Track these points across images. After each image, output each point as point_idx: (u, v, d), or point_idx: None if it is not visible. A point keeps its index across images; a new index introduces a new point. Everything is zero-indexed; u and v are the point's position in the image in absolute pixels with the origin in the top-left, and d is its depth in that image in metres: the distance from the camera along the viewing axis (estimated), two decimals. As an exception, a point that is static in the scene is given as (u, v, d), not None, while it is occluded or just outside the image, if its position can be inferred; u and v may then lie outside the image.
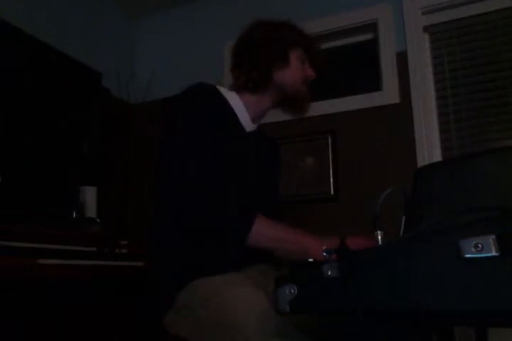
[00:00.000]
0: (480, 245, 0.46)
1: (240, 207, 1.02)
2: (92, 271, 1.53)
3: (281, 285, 0.62)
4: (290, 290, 0.60)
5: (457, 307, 0.47)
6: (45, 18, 2.24)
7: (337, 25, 2.32)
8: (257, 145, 1.24)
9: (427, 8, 2.14)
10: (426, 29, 2.15)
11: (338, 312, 0.61)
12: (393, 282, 0.52)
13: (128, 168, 2.53)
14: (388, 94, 2.12)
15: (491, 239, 0.45)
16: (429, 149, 2.01)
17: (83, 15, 2.49)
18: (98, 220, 1.96)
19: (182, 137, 1.06)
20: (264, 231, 0.99)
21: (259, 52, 1.17)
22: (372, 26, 2.27)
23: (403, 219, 0.72)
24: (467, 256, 0.46)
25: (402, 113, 2.08)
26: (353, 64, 2.40)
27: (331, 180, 2.14)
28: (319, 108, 2.20)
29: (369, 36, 2.34)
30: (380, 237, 0.65)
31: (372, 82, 2.22)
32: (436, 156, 2.02)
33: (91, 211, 1.99)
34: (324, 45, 2.38)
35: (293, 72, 1.20)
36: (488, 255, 0.45)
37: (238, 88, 1.20)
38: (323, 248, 0.96)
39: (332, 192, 2.13)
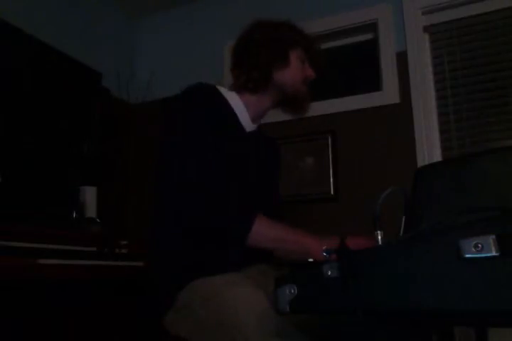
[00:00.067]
0: (480, 245, 0.46)
1: (240, 207, 1.02)
2: (92, 271, 1.53)
3: (281, 285, 0.62)
4: (290, 290, 0.60)
5: (457, 307, 0.47)
6: (45, 18, 2.24)
7: (337, 25, 2.32)
8: (257, 145, 1.24)
9: (427, 8, 2.14)
10: (426, 29, 2.15)
11: (338, 312, 0.61)
12: (393, 282, 0.52)
13: (128, 168, 2.53)
14: (388, 94, 2.12)
15: (491, 239, 0.45)
16: (429, 149, 2.01)
17: (83, 16, 2.49)
18: (98, 220, 1.96)
19: (182, 137, 1.06)
20: (264, 232, 0.99)
21: (259, 52, 1.17)
22: (372, 26, 2.27)
23: (403, 219, 0.72)
24: (467, 256, 0.46)
25: (402, 113, 2.08)
26: (353, 64, 2.40)
27: (331, 180, 2.14)
28: (319, 108, 2.20)
29: (369, 36, 2.34)
30: (380, 237, 0.65)
31: (372, 82, 2.22)
32: (436, 156, 2.02)
33: (91, 211, 1.99)
34: (324, 45, 2.38)
35: (293, 72, 1.20)
36: (488, 255, 0.45)
37: (238, 88, 1.20)
38: (323, 248, 0.97)
39: (332, 192, 2.13)
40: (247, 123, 1.20)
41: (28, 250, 1.35)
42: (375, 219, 0.66)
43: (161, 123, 1.12)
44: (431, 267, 0.49)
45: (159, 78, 2.61)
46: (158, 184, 1.12)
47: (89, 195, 2.01)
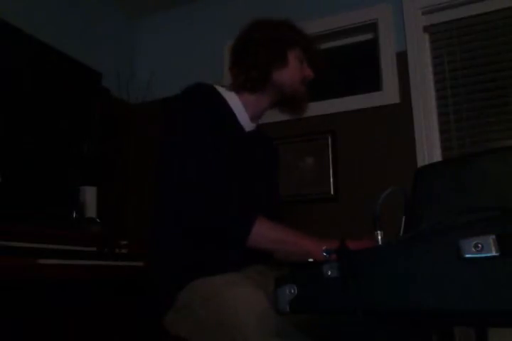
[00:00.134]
0: (480, 245, 0.46)
1: (240, 208, 1.02)
2: (92, 271, 1.53)
3: (281, 285, 0.62)
4: (290, 290, 0.60)
5: (457, 307, 0.47)
6: (45, 18, 2.24)
7: (337, 25, 2.32)
8: (256, 145, 1.24)
9: (427, 8, 2.14)
10: (426, 29, 2.15)
11: (338, 312, 0.61)
12: (393, 282, 0.52)
13: (128, 168, 2.53)
14: (388, 94, 2.12)
15: (491, 239, 0.45)
16: (429, 149, 2.01)
17: (83, 16, 2.49)
18: (98, 220, 1.96)
19: (182, 137, 1.06)
20: (264, 233, 0.99)
21: (258, 52, 1.17)
22: (372, 26, 2.27)
23: (403, 219, 0.72)
24: (467, 256, 0.46)
25: (402, 113, 2.08)
26: (353, 64, 2.40)
27: (331, 180, 2.14)
28: (319, 108, 2.20)
29: (369, 36, 2.34)
30: (380, 237, 0.65)
31: (372, 82, 2.22)
32: (436, 156, 2.02)
33: (91, 211, 1.99)
34: (324, 45, 2.39)
35: (291, 72, 1.20)
36: (488, 255, 0.45)
37: (237, 88, 1.20)
38: (323, 248, 0.97)
39: (332, 192, 2.13)
40: (245, 122, 1.20)
41: (28, 250, 1.35)
42: (375, 219, 0.66)
43: (161, 123, 1.12)
44: (431, 267, 0.49)
45: (159, 78, 2.61)
46: (158, 184, 1.12)
47: (89, 195, 2.01)
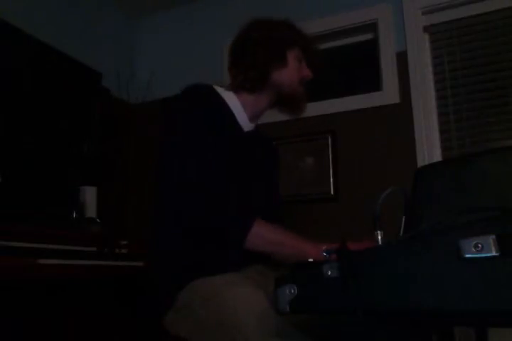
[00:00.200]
0: (480, 245, 0.46)
1: (239, 209, 1.02)
2: (92, 271, 1.53)
3: (281, 285, 0.62)
4: (290, 290, 0.60)
5: (457, 307, 0.47)
6: (45, 18, 2.24)
7: (337, 25, 2.32)
8: (255, 145, 1.24)
9: (427, 8, 2.14)
10: (426, 29, 2.15)
11: (338, 312, 0.61)
12: (393, 282, 0.52)
13: (128, 168, 2.53)
14: (388, 94, 2.12)
15: (491, 239, 0.45)
16: (429, 149, 2.01)
17: (83, 16, 2.49)
18: (98, 220, 1.96)
19: (182, 137, 1.06)
20: (262, 235, 0.99)
21: (256, 52, 1.17)
22: (372, 26, 2.27)
23: (403, 219, 0.72)
24: (467, 256, 0.46)
25: (402, 113, 2.08)
26: (353, 64, 2.40)
27: (331, 180, 2.14)
28: (319, 108, 2.20)
29: (369, 36, 2.34)
30: (380, 237, 0.65)
31: (372, 82, 2.22)
32: (436, 156, 2.02)
33: (91, 211, 1.99)
34: (324, 45, 2.39)
35: (290, 73, 1.19)
36: (488, 255, 0.45)
37: (236, 88, 1.20)
38: (324, 248, 0.97)
39: (332, 192, 2.13)
40: (244, 122, 1.20)
41: (28, 250, 1.35)
42: (375, 219, 0.66)
43: (161, 124, 1.12)
44: (431, 267, 0.49)
45: (159, 78, 2.61)
46: (158, 184, 1.12)
47: (89, 195, 2.01)
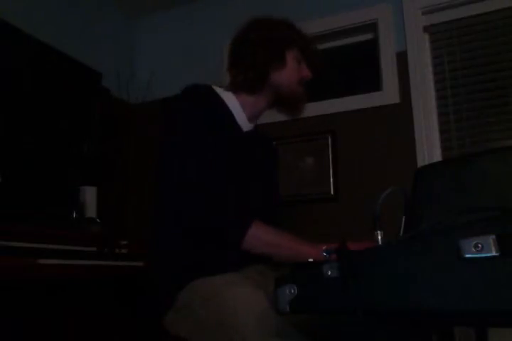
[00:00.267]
0: (480, 245, 0.46)
1: (237, 209, 1.02)
2: (92, 271, 1.53)
3: (281, 285, 0.62)
4: (290, 290, 0.60)
5: (457, 307, 0.47)
6: (45, 18, 2.24)
7: (337, 25, 2.32)
8: (254, 145, 1.24)
9: (427, 8, 2.14)
10: (426, 29, 2.15)
11: (338, 312, 0.61)
12: (393, 282, 0.52)
13: (128, 168, 2.53)
14: (388, 94, 2.12)
15: (491, 239, 0.45)
16: (429, 149, 2.01)
17: (83, 15, 2.49)
18: (98, 220, 1.96)
19: (182, 137, 1.06)
20: (260, 236, 1.00)
21: (255, 52, 1.16)
22: (372, 26, 2.27)
23: (403, 219, 0.72)
24: (467, 256, 0.46)
25: (402, 113, 2.08)
26: (353, 64, 2.40)
27: (331, 180, 2.14)
28: (319, 108, 2.20)
29: (369, 36, 2.34)
30: (380, 237, 0.65)
31: (372, 82, 2.22)
32: (436, 156, 2.02)
33: (91, 211, 1.99)
34: (324, 45, 2.39)
35: (289, 73, 1.19)
36: (488, 255, 0.45)
37: (235, 88, 1.20)
38: (324, 248, 0.97)
39: (332, 192, 2.13)
40: (243, 122, 1.20)
41: (28, 250, 1.35)
42: (375, 219, 0.66)
43: (161, 124, 1.12)
44: (431, 267, 0.49)
45: (159, 78, 2.61)
46: (158, 184, 1.12)
47: (89, 195, 2.01)
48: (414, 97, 2.07)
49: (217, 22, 2.60)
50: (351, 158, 2.14)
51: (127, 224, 2.41)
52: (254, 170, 1.21)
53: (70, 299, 1.61)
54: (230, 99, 1.18)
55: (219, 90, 1.18)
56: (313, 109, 2.11)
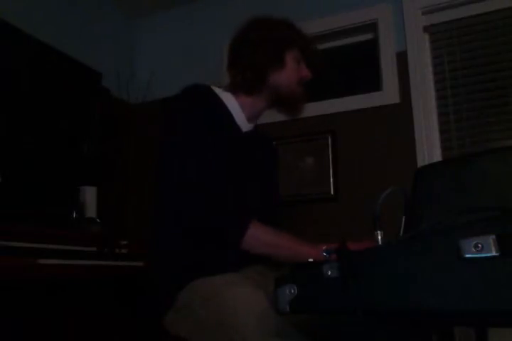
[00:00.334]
0: (480, 245, 0.46)
1: (236, 209, 1.02)
2: (92, 271, 1.53)
3: (281, 285, 0.62)
4: (290, 290, 0.60)
5: (457, 307, 0.47)
6: (45, 17, 2.24)
7: (337, 25, 2.32)
8: (254, 145, 1.23)
9: (427, 8, 2.14)
10: (426, 29, 2.15)
11: (338, 312, 0.61)
12: (393, 282, 0.52)
13: (128, 168, 2.53)
14: (388, 94, 2.12)
15: (491, 239, 0.45)
16: (429, 149, 2.01)
17: (83, 15, 2.49)
18: (98, 220, 1.96)
19: (182, 137, 1.06)
20: (258, 237, 1.00)
21: (254, 53, 1.16)
22: (372, 26, 2.27)
23: (403, 219, 0.72)
24: (467, 256, 0.46)
25: (402, 113, 2.08)
26: (353, 64, 2.40)
27: (331, 180, 2.14)
28: (319, 108, 2.20)
29: (369, 36, 2.34)
30: (380, 237, 0.65)
31: (372, 82, 2.22)
32: (436, 156, 2.02)
33: (91, 211, 1.99)
34: (324, 45, 2.39)
35: (288, 74, 1.18)
36: (488, 255, 0.45)
37: (234, 88, 1.20)
38: (324, 248, 0.97)
39: (332, 192, 2.13)
40: (243, 123, 1.19)
41: (28, 250, 1.35)
42: (375, 219, 0.66)
43: (161, 124, 1.12)
44: (431, 267, 0.49)
45: (159, 78, 2.61)
46: (158, 184, 1.12)
47: (89, 195, 2.01)
48: (414, 97, 2.07)
49: (217, 22, 2.60)
50: (351, 158, 2.14)
51: (127, 224, 2.41)
52: (254, 170, 1.21)
53: (70, 299, 1.61)
54: (229, 100, 1.17)
55: (218, 90, 1.17)
56: (313, 109, 2.11)
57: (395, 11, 2.19)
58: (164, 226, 1.09)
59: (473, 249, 0.46)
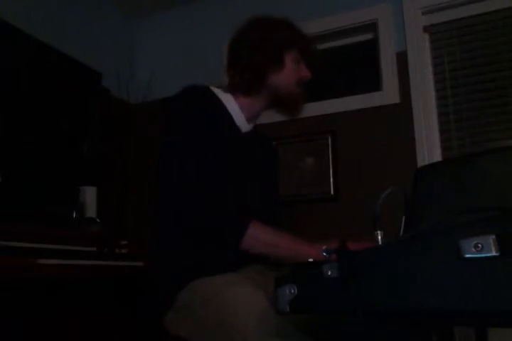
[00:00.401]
0: (480, 245, 0.46)
1: (236, 209, 1.02)
2: (92, 271, 1.53)
3: (281, 285, 0.62)
4: (290, 290, 0.60)
5: (457, 307, 0.47)
6: (44, 17, 2.24)
7: (337, 25, 2.32)
8: (253, 146, 1.23)
9: (427, 8, 2.14)
10: (426, 29, 2.15)
11: (338, 312, 0.61)
12: (393, 282, 0.52)
13: (128, 168, 2.53)
14: (388, 94, 2.12)
15: (491, 239, 0.45)
16: (429, 149, 2.01)
17: (82, 15, 2.49)
18: (98, 220, 1.96)
19: (182, 137, 1.06)
20: (258, 236, 0.99)
21: (253, 54, 1.15)
22: (372, 26, 2.27)
23: (403, 219, 0.72)
24: (467, 256, 0.46)
25: (402, 113, 2.08)
26: (353, 64, 2.40)
27: (331, 180, 2.14)
28: (319, 108, 2.20)
29: (369, 36, 2.34)
30: (380, 237, 0.65)
31: (372, 82, 2.22)
32: (436, 156, 2.02)
33: (91, 211, 1.99)
34: (324, 45, 2.39)
35: (287, 75, 1.18)
36: (488, 255, 0.45)
37: (232, 89, 1.19)
38: (324, 248, 0.97)
39: (332, 192, 2.13)
40: (242, 123, 1.19)
41: (28, 250, 1.35)
42: (375, 219, 0.66)
43: (161, 124, 1.12)
44: (431, 267, 0.49)
45: (159, 78, 2.61)
46: (158, 184, 1.12)
47: (89, 195, 2.01)
48: (414, 97, 2.07)
49: (217, 22, 2.60)
50: (351, 158, 2.14)
51: (127, 224, 2.41)
52: (254, 170, 1.20)
53: (70, 299, 1.60)
54: (228, 100, 1.17)
55: (217, 91, 1.17)
56: (313, 109, 2.11)
57: (395, 11, 2.19)
58: (164, 226, 1.09)
59: (473, 249, 0.46)
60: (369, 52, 2.30)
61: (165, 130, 1.11)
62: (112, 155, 2.40)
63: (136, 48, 2.86)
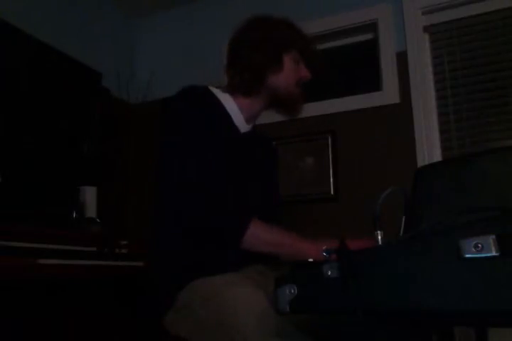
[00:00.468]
0: (480, 245, 0.46)
1: (236, 209, 1.02)
2: (92, 271, 1.53)
3: (281, 285, 0.62)
4: (290, 290, 0.60)
5: (457, 307, 0.47)
6: (44, 17, 2.23)
7: (337, 25, 2.32)
8: (253, 146, 1.23)
9: (427, 8, 2.14)
10: (426, 29, 2.15)
11: (338, 312, 0.61)
12: (393, 282, 0.52)
13: (128, 168, 2.53)
14: (388, 94, 2.12)
15: (491, 239, 0.45)
16: (429, 149, 2.01)
17: (82, 15, 2.49)
18: (98, 220, 1.96)
19: (182, 137, 1.06)
20: (259, 235, 0.99)
21: (253, 54, 1.15)
22: (372, 26, 2.27)
23: (403, 219, 0.72)
24: (467, 256, 0.46)
25: (402, 113, 2.08)
26: (353, 64, 2.40)
27: (331, 180, 2.14)
28: (319, 108, 2.20)
29: (369, 36, 2.34)
30: (380, 237, 0.65)
31: (372, 82, 2.22)
32: (436, 156, 2.02)
33: (91, 211, 1.99)
34: (324, 45, 2.39)
35: (286, 75, 1.18)
36: (488, 255, 0.45)
37: (232, 89, 1.19)
38: (324, 248, 0.97)
39: (332, 192, 2.13)
40: (241, 124, 1.19)
41: (28, 250, 1.35)
42: (375, 219, 0.66)
43: (160, 124, 1.12)
44: (431, 267, 0.49)
45: (159, 78, 2.61)
46: (158, 184, 1.12)
47: (89, 195, 2.01)
48: (414, 97, 2.07)
49: (217, 22, 2.60)
50: (351, 158, 2.14)
51: (127, 224, 2.41)
52: (254, 170, 1.20)
53: (70, 299, 1.60)
54: (227, 101, 1.17)
55: (216, 91, 1.17)
56: (313, 109, 2.11)
57: (395, 11, 2.19)
58: (164, 226, 1.09)
59: (473, 249, 0.46)
60: (369, 52, 2.30)
61: (165, 130, 1.11)
62: (112, 155, 2.40)
63: (136, 48, 2.86)
